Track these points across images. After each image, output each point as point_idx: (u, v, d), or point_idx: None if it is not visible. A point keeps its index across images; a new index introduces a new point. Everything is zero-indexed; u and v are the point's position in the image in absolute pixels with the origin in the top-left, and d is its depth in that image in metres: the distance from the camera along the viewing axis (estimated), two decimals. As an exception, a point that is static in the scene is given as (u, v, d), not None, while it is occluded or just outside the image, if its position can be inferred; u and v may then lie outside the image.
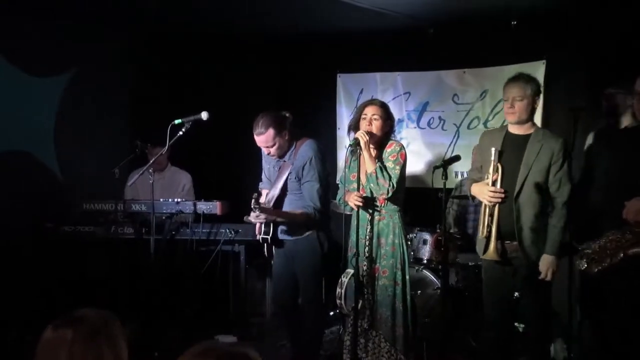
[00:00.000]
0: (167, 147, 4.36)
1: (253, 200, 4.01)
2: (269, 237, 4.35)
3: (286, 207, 4.40)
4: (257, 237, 4.47)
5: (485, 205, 3.89)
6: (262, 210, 4.15)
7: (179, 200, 4.99)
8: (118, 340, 1.95)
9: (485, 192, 3.86)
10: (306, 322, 4.48)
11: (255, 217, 4.22)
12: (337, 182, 4.78)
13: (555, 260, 3.83)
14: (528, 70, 5.21)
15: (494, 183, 3.85)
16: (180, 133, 4.32)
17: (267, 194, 4.49)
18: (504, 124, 4.19)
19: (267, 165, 4.59)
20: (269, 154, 4.39)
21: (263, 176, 4.66)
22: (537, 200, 3.84)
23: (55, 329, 1.92)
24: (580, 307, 4.55)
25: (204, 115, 4.27)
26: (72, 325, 1.91)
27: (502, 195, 3.82)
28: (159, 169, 5.62)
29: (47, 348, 1.91)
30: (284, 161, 4.42)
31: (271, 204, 4.39)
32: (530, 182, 3.83)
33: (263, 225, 4.34)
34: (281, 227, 4.39)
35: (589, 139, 4.72)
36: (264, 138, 4.25)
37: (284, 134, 4.31)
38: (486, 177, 3.92)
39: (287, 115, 4.41)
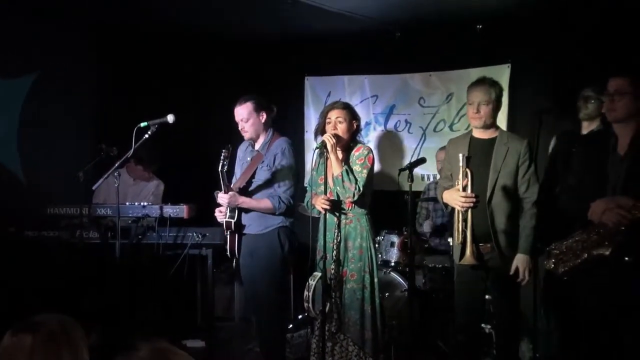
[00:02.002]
0: (132, 150, 4.31)
1: (224, 153, 4.09)
2: (233, 222, 4.36)
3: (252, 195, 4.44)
4: (220, 219, 4.46)
5: (458, 212, 3.88)
6: (229, 188, 4.26)
7: (145, 204, 4.94)
8: (79, 346, 1.93)
9: (456, 198, 3.83)
10: (263, 324, 4.47)
11: (220, 199, 4.31)
12: (305, 185, 4.77)
13: (529, 260, 3.88)
14: (493, 73, 5.26)
15: (464, 188, 3.82)
16: (146, 136, 4.27)
17: (235, 183, 4.49)
18: (468, 129, 4.22)
19: (242, 162, 4.60)
20: (242, 129, 4.45)
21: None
22: (508, 202, 3.89)
23: (14, 334, 1.89)
24: (546, 307, 4.61)
25: (170, 118, 4.23)
26: (31, 330, 1.89)
27: (474, 200, 3.78)
28: (142, 178, 5.66)
29: (6, 353, 1.88)
30: (257, 152, 4.47)
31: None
32: (501, 185, 3.88)
33: (228, 210, 4.36)
34: (244, 216, 4.42)
35: (554, 141, 4.79)
36: (241, 110, 4.40)
37: (262, 116, 4.43)
38: (456, 183, 3.93)
39: (273, 107, 4.54)
